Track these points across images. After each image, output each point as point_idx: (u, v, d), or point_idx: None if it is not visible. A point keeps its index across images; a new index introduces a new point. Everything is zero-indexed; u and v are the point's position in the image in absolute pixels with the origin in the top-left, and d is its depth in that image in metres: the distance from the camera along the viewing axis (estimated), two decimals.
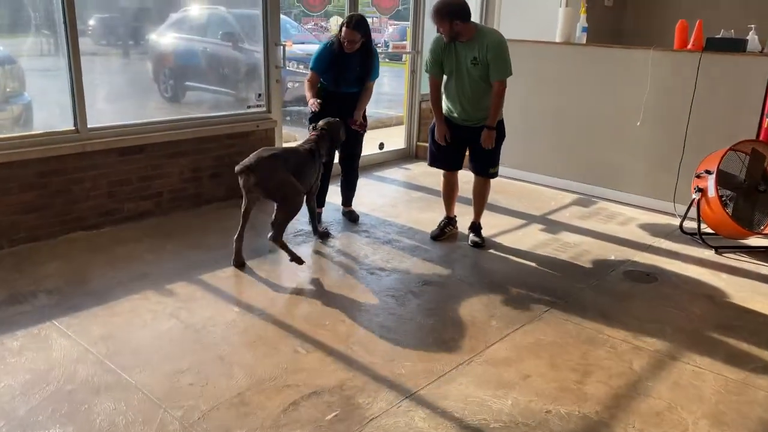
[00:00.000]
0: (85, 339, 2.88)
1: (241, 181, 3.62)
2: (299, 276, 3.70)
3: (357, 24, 4.15)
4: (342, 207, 4.76)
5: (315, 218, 4.23)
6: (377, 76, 4.46)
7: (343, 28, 4.14)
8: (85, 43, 4.05)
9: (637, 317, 3.32)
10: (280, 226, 3.67)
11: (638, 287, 3.71)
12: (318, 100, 4.15)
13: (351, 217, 4.69)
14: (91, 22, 4.48)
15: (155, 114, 4.77)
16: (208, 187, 4.82)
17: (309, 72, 4.27)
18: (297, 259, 3.70)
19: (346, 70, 4.27)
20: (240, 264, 3.75)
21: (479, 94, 3.96)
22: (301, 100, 9.63)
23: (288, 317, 3.19)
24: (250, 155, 3.64)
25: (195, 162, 4.70)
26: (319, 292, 3.50)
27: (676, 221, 4.86)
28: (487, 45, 3.82)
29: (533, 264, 4.00)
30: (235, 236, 3.74)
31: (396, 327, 3.12)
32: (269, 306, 3.29)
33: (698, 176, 4.35)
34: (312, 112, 4.19)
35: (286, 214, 3.68)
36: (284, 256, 3.73)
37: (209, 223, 4.50)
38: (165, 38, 5.06)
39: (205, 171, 4.78)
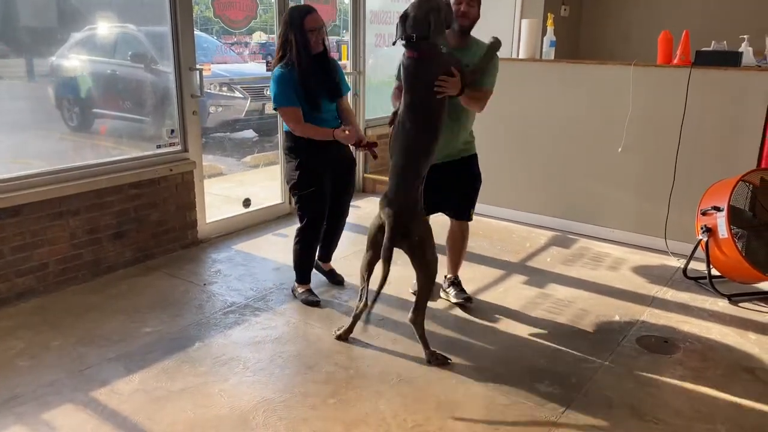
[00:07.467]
0: None
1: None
2: (246, 388, 2.77)
3: (310, 8, 3.24)
4: (320, 263, 3.83)
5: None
6: (349, 89, 3.60)
7: (304, 20, 3.15)
8: None
9: (678, 412, 2.59)
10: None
11: (661, 362, 2.99)
12: None
13: (334, 279, 3.82)
14: None
15: (59, 146, 3.86)
16: (109, 251, 3.80)
17: (286, 111, 3.23)
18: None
19: (323, 82, 3.30)
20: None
21: (464, 113, 3.14)
22: (227, 126, 8.65)
23: None
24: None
25: (90, 221, 3.68)
26: (270, 412, 2.59)
27: (671, 261, 4.23)
28: (480, 50, 3.04)
29: (528, 334, 3.23)
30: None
31: None
32: None
33: (704, 213, 3.72)
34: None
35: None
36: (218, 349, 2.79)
37: (111, 300, 3.49)
38: (67, 61, 4.16)
39: (105, 231, 3.76)
